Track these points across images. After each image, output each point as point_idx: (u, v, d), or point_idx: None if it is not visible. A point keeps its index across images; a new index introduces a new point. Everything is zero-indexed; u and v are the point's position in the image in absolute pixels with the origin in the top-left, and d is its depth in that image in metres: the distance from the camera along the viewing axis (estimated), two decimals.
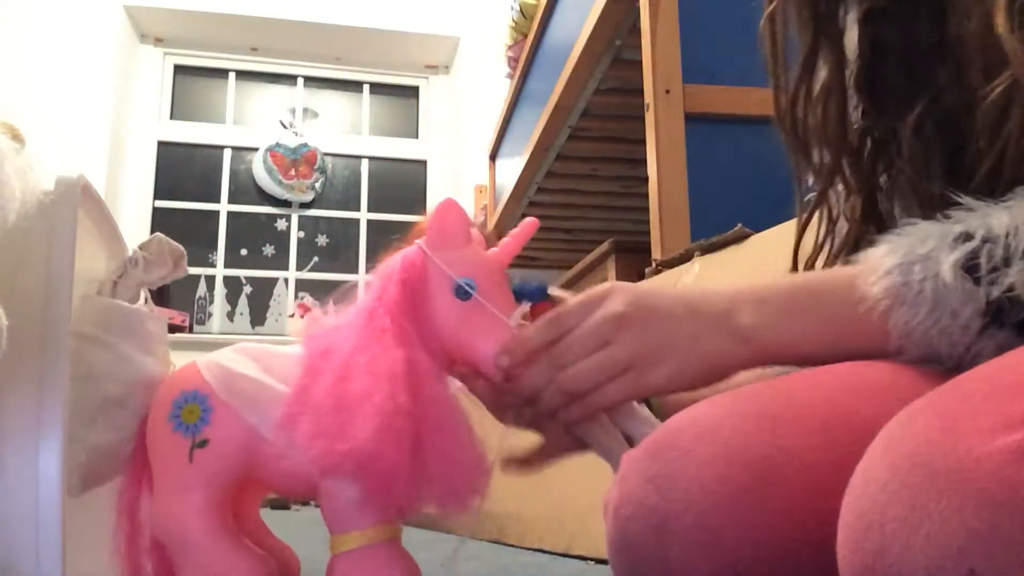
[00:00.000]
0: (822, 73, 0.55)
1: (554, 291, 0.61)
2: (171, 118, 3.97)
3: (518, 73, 2.40)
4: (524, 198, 2.52)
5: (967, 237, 0.40)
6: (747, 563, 0.34)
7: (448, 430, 0.51)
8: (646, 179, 1.35)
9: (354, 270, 3.97)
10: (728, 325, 0.48)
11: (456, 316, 0.52)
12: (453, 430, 0.51)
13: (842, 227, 0.57)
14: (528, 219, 0.62)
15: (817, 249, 0.58)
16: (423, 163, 4.19)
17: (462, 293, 0.52)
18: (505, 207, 2.63)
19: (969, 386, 0.27)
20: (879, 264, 0.43)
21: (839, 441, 0.37)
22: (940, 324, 0.41)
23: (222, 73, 4.07)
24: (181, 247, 0.61)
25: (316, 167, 3.99)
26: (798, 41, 0.56)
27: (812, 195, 0.59)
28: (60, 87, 3.39)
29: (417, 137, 4.23)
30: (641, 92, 1.39)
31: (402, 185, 4.17)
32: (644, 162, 1.37)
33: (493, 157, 2.92)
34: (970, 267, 0.40)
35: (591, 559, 1.26)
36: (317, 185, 3.99)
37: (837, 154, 0.55)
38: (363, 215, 4.08)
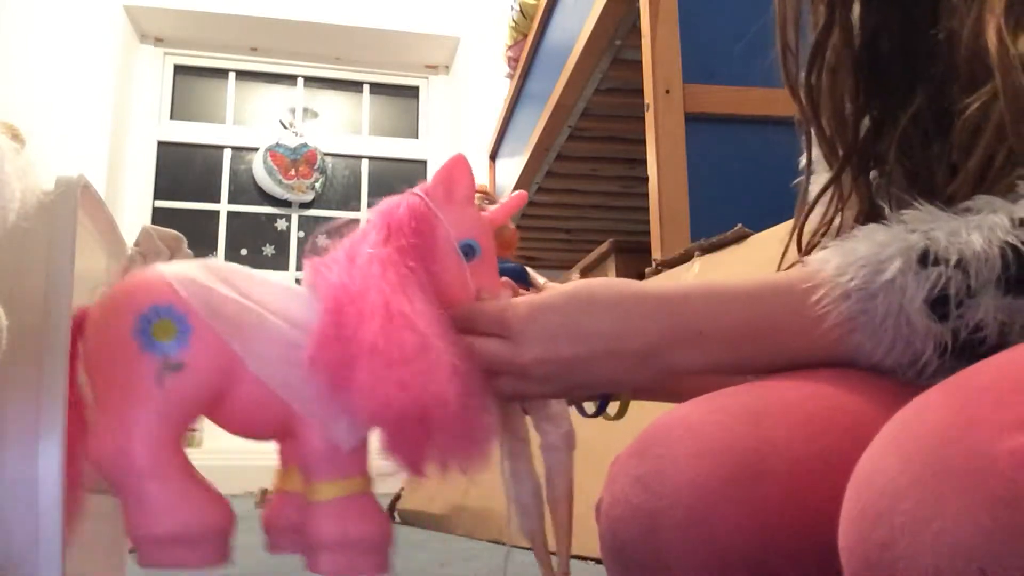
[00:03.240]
0: (835, 44, 0.53)
1: (533, 275, 0.60)
2: (171, 118, 3.97)
3: (518, 73, 2.40)
4: None
5: (934, 260, 0.38)
6: (738, 556, 0.34)
7: (473, 388, 0.49)
8: (646, 179, 1.35)
9: None
10: (654, 362, 0.46)
11: (458, 274, 0.51)
12: (476, 388, 0.50)
13: (852, 203, 0.55)
14: (518, 192, 0.62)
15: (824, 225, 0.56)
16: (423, 163, 4.19)
17: (467, 253, 0.52)
18: None
19: (984, 379, 0.27)
20: (834, 284, 0.41)
21: (825, 433, 0.37)
22: (896, 356, 0.40)
23: (222, 73, 4.07)
24: (176, 232, 0.60)
25: (316, 167, 3.99)
26: (811, 11, 0.55)
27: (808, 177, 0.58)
28: (60, 87, 3.39)
29: (417, 137, 4.23)
30: (641, 92, 1.39)
31: (402, 185, 4.11)
32: (644, 162, 1.37)
33: (493, 157, 2.92)
34: (938, 301, 0.38)
35: (591, 559, 1.26)
36: (317, 185, 3.99)
37: (853, 132, 0.53)
38: (363, 215, 4.07)
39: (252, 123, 4.06)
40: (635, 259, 1.80)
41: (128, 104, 3.78)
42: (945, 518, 0.23)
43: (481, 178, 3.27)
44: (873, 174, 0.53)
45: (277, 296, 0.51)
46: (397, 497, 2.12)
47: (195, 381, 0.48)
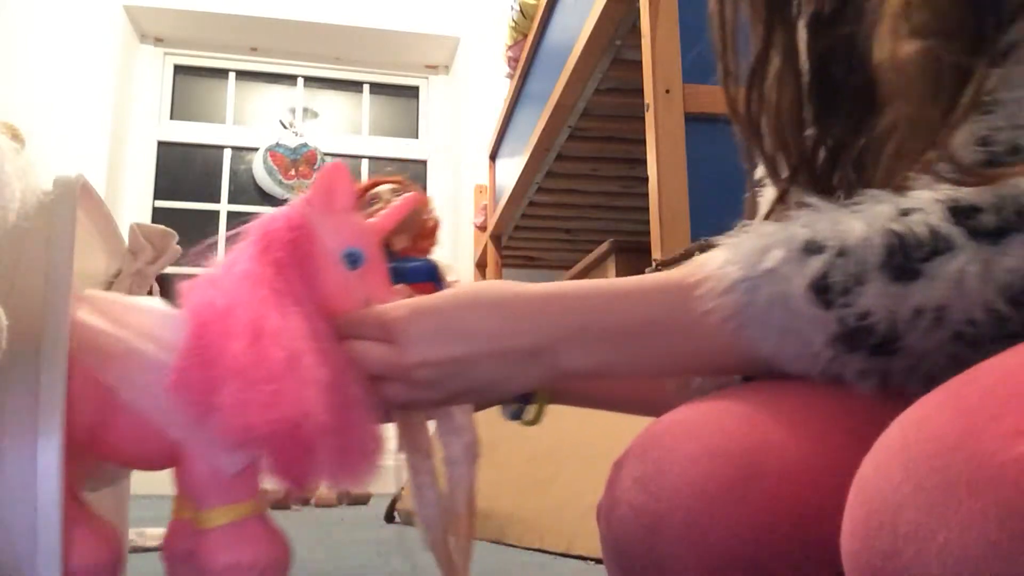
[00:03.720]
0: (775, 65, 0.52)
1: (443, 271, 0.58)
2: (171, 118, 3.97)
3: (518, 73, 2.40)
4: (524, 198, 2.52)
5: (817, 248, 0.38)
6: (737, 558, 0.34)
7: (353, 400, 0.48)
8: (646, 179, 1.35)
9: None
10: (541, 362, 0.45)
11: (342, 284, 0.50)
12: (357, 400, 0.49)
13: None
14: (411, 193, 0.59)
15: None
16: (423, 163, 4.19)
17: (351, 262, 0.50)
18: (505, 207, 2.63)
19: (988, 381, 0.26)
20: (720, 277, 0.40)
21: (823, 434, 0.37)
22: (789, 348, 0.39)
23: (222, 73, 4.07)
24: (165, 228, 0.59)
25: (316, 167, 3.99)
26: (750, 31, 0.53)
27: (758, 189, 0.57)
28: (60, 87, 3.39)
29: (417, 137, 4.23)
30: (641, 92, 1.39)
31: None
32: (644, 162, 1.37)
33: (493, 157, 2.92)
34: (821, 286, 0.37)
35: (591, 559, 1.26)
36: None
37: (797, 153, 0.51)
38: None
39: (252, 123, 4.06)
40: (635, 259, 1.80)
41: (128, 104, 3.78)
42: (951, 529, 0.23)
43: (481, 178, 3.27)
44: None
45: (154, 322, 0.50)
46: (397, 498, 2.12)
47: (66, 416, 0.47)
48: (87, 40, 3.51)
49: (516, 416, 0.58)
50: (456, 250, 3.69)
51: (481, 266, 3.19)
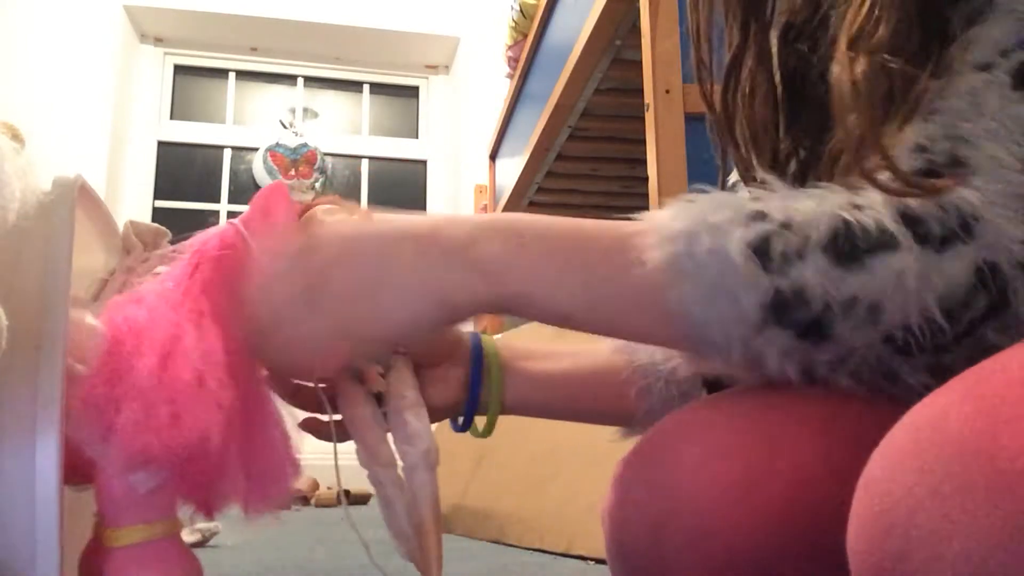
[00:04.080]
0: (749, 66, 0.52)
1: None
2: (171, 118, 3.97)
3: (518, 73, 2.40)
4: (524, 198, 2.52)
5: (763, 218, 0.37)
6: (744, 559, 0.34)
7: (265, 427, 0.48)
8: (646, 179, 1.35)
9: None
10: (465, 256, 0.42)
11: None
12: (269, 427, 0.48)
13: None
14: None
15: None
16: (423, 163, 4.19)
17: None
18: (505, 207, 2.63)
19: (1003, 378, 0.25)
20: (663, 226, 0.39)
21: (829, 435, 0.37)
22: (718, 309, 0.37)
23: (222, 73, 4.07)
24: (158, 226, 0.58)
25: (316, 167, 3.99)
26: (725, 30, 0.53)
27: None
28: (60, 87, 3.39)
29: (417, 137, 4.23)
30: (641, 92, 1.39)
31: (402, 185, 4.17)
32: (644, 162, 1.37)
33: (493, 157, 2.92)
34: (761, 249, 0.36)
35: (591, 559, 1.26)
36: (317, 185, 3.99)
37: (771, 155, 0.51)
38: None
39: (252, 123, 4.06)
40: None
41: (128, 104, 3.78)
42: (968, 538, 0.22)
43: (481, 178, 3.27)
44: None
45: (88, 340, 0.49)
46: None
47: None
48: (87, 40, 3.51)
49: (463, 428, 0.58)
50: None
51: None
